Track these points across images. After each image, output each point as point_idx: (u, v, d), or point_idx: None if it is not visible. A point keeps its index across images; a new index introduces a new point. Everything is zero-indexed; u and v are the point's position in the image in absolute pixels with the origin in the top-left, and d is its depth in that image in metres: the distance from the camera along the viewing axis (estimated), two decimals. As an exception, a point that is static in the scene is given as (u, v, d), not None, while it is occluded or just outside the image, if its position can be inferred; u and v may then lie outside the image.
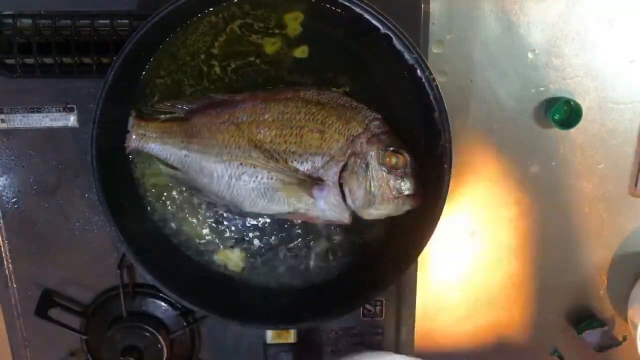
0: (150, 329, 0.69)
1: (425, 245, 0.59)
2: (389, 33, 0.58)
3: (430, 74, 0.57)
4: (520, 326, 0.77)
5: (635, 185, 0.71)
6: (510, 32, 0.67)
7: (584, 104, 0.67)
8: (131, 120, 0.62)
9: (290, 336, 0.69)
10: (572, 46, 0.68)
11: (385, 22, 0.57)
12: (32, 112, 0.66)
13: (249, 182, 0.61)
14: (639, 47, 0.68)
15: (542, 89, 0.69)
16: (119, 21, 0.62)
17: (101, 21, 0.62)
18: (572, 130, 0.69)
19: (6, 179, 0.68)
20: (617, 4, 0.67)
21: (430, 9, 0.66)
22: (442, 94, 0.57)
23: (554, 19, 0.67)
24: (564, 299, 0.76)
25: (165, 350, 0.70)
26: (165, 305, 0.71)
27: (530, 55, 0.68)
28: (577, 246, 0.74)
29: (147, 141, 0.62)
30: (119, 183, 0.63)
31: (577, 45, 0.68)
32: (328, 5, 0.60)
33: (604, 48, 0.68)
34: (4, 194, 0.68)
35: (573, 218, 0.73)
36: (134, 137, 0.62)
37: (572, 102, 0.67)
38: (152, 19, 0.56)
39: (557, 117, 0.68)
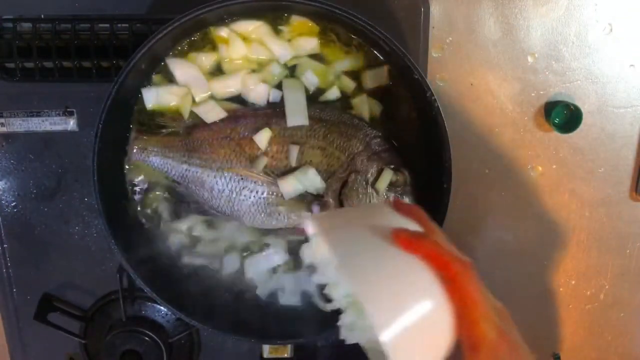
0: (150, 334, 0.69)
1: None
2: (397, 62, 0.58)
3: (432, 94, 0.56)
4: (520, 330, 0.76)
5: (636, 189, 0.71)
6: (510, 35, 0.67)
7: (584, 108, 0.67)
8: (132, 134, 0.62)
9: (287, 351, 0.70)
10: (572, 50, 0.68)
11: (393, 48, 0.57)
12: (32, 116, 0.66)
13: (249, 197, 0.61)
14: (639, 52, 0.68)
15: (542, 92, 0.69)
16: (119, 25, 0.62)
17: (101, 25, 0.62)
18: (572, 134, 0.68)
19: (6, 183, 0.68)
20: (616, 9, 0.67)
21: (430, 13, 0.66)
22: (443, 118, 0.56)
23: (554, 23, 0.67)
24: (565, 302, 0.76)
25: (164, 354, 0.69)
26: (165, 309, 0.70)
27: (530, 59, 0.68)
28: (577, 250, 0.74)
29: (149, 155, 0.62)
30: (120, 193, 0.64)
31: (577, 49, 0.68)
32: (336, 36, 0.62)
33: (604, 52, 0.68)
34: (4, 197, 0.68)
35: (573, 222, 0.73)
36: (135, 150, 0.62)
37: (572, 106, 0.67)
38: (166, 29, 0.56)
39: (557, 120, 0.68)
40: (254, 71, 0.62)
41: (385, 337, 0.36)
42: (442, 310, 0.39)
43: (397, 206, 0.46)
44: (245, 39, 0.61)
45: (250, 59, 0.62)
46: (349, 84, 0.62)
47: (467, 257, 0.41)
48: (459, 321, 0.39)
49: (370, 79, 0.62)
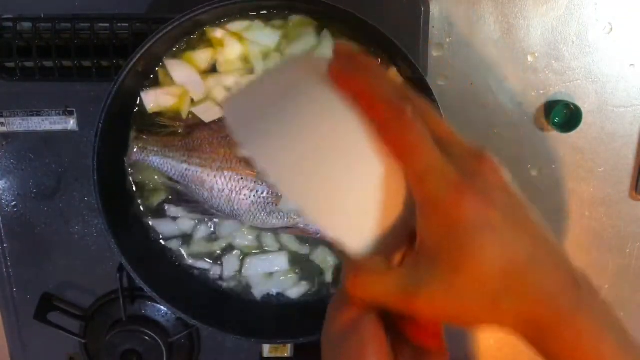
0: (150, 333, 0.69)
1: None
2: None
3: (433, 94, 0.57)
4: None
5: (636, 188, 0.71)
6: (510, 35, 0.67)
7: (584, 107, 0.67)
8: (132, 134, 0.62)
9: (287, 350, 0.70)
10: (572, 49, 0.68)
11: (393, 48, 0.57)
12: (32, 115, 0.66)
13: (249, 196, 0.62)
14: (639, 51, 0.68)
15: (542, 92, 0.69)
16: (119, 25, 0.62)
17: (101, 24, 0.62)
18: (572, 134, 0.68)
19: (6, 183, 0.68)
20: (616, 8, 0.67)
21: (430, 12, 0.66)
22: (444, 118, 0.57)
23: (554, 22, 0.67)
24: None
25: (164, 354, 0.69)
26: (165, 309, 0.70)
27: (530, 58, 0.68)
28: (577, 250, 0.74)
29: (148, 154, 0.62)
30: (120, 193, 0.64)
31: (577, 48, 0.68)
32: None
33: (604, 51, 0.68)
34: (4, 197, 0.68)
35: (573, 222, 0.73)
36: (135, 150, 0.62)
37: (572, 106, 0.67)
38: (167, 27, 0.55)
39: (557, 120, 0.68)
40: (251, 71, 0.62)
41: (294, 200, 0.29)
42: (377, 168, 0.31)
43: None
44: (241, 38, 0.61)
45: (247, 58, 0.62)
46: None
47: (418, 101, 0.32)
48: (406, 178, 0.31)
49: None
